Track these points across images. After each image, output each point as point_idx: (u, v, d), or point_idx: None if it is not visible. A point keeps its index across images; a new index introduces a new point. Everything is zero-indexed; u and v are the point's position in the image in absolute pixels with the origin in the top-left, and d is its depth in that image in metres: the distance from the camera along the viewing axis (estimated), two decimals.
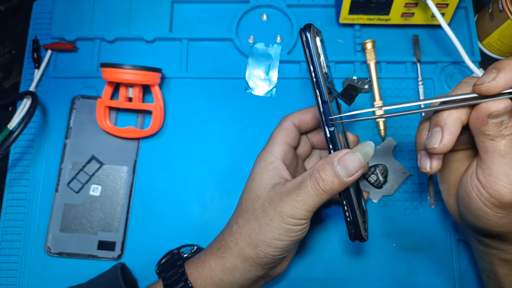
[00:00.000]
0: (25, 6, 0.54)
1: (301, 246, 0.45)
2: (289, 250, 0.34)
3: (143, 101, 0.49)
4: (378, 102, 0.48)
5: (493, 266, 0.36)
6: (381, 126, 0.47)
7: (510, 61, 0.28)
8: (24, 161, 0.48)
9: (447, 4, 0.46)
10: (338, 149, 0.33)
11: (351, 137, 0.40)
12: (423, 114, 0.48)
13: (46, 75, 0.50)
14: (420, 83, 0.49)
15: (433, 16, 0.47)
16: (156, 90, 0.48)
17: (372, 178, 0.46)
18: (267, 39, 0.51)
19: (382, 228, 0.46)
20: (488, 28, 0.49)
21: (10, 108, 0.51)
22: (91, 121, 0.48)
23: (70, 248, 0.45)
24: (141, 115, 0.49)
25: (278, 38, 0.51)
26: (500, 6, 0.46)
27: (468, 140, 0.33)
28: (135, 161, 0.47)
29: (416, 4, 0.47)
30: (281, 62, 0.50)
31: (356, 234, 0.34)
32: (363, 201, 0.39)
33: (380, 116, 0.32)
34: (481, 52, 0.51)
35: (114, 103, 0.47)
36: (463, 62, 0.47)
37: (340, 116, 0.32)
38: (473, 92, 0.29)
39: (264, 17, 0.52)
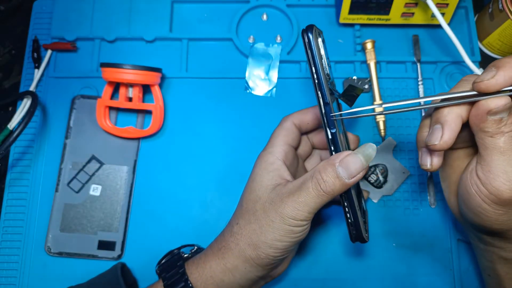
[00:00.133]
0: (25, 6, 0.54)
1: (301, 246, 0.45)
2: (289, 251, 0.34)
3: (143, 101, 0.49)
4: (378, 102, 0.48)
5: (494, 265, 0.36)
6: (381, 126, 0.47)
7: (510, 59, 0.28)
8: (24, 161, 0.48)
9: (447, 4, 0.46)
10: (340, 151, 0.33)
11: (351, 137, 0.40)
12: (423, 112, 0.48)
13: (46, 75, 0.50)
14: (420, 83, 0.49)
15: (433, 16, 0.47)
16: (156, 90, 0.48)
17: (372, 178, 0.46)
18: (267, 39, 0.51)
19: (382, 228, 0.46)
20: (488, 28, 0.49)
21: (10, 108, 0.51)
22: (91, 121, 0.48)
23: (70, 248, 0.45)
24: (141, 115, 0.49)
25: (278, 38, 0.51)
26: (500, 6, 0.46)
27: (469, 138, 0.33)
28: (135, 161, 0.47)
29: (416, 4, 0.47)
30: (281, 62, 0.50)
31: (357, 235, 0.34)
32: (363, 202, 0.39)
33: (381, 113, 0.32)
34: (481, 52, 0.51)
35: (114, 103, 0.47)
36: (463, 62, 0.47)
37: (341, 114, 0.32)
38: (473, 90, 0.29)
39: (264, 17, 0.52)
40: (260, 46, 0.50)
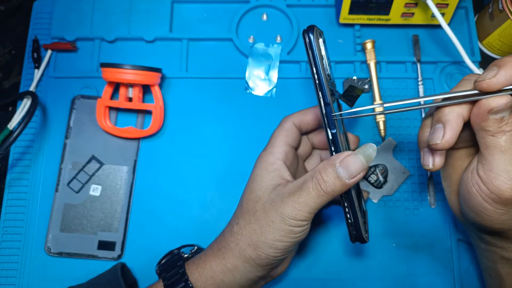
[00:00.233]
0: (25, 6, 0.54)
1: (301, 246, 0.45)
2: (290, 251, 0.34)
3: (143, 101, 0.49)
4: (378, 102, 0.48)
5: (495, 265, 0.36)
6: (381, 126, 0.47)
7: (511, 58, 0.28)
8: (24, 161, 0.48)
9: (447, 4, 0.46)
10: (340, 151, 0.33)
11: (352, 137, 0.40)
12: (423, 112, 0.48)
13: (46, 75, 0.50)
14: (420, 83, 0.49)
15: (433, 16, 0.47)
16: (156, 90, 0.48)
17: (372, 178, 0.46)
18: (267, 39, 0.51)
19: (382, 228, 0.46)
20: (488, 28, 0.49)
21: (10, 108, 0.51)
22: (91, 121, 0.48)
23: (70, 248, 0.45)
24: (141, 115, 0.49)
25: (278, 38, 0.51)
26: (500, 6, 0.46)
27: (470, 138, 0.33)
28: (135, 161, 0.47)
29: (416, 4, 0.47)
30: (281, 62, 0.50)
31: (357, 235, 0.34)
32: (363, 202, 0.39)
33: (381, 113, 0.32)
34: (481, 52, 0.51)
35: (114, 103, 0.47)
36: (463, 62, 0.47)
37: (341, 113, 0.32)
38: (474, 89, 0.29)
39: (264, 17, 0.52)
40: (260, 46, 0.50)
